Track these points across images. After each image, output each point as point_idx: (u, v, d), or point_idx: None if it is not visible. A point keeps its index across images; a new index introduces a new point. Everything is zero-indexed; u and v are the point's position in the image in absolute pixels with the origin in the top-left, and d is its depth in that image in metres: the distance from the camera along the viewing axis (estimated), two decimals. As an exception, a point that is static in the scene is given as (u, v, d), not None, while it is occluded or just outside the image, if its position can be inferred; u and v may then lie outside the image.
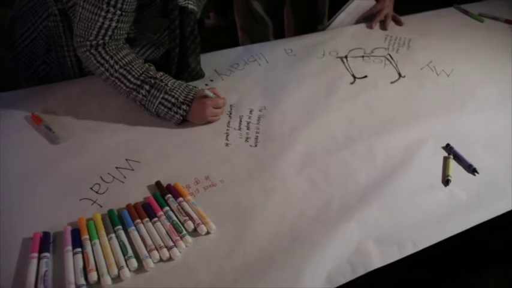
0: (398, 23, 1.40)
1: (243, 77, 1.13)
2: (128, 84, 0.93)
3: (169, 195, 0.79)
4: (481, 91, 1.12)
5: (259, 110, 1.02)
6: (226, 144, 0.93)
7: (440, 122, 1.02)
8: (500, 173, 0.90)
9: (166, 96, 0.92)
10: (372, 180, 0.86)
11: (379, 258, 0.72)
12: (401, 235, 0.76)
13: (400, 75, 1.17)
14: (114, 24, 0.91)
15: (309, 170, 0.87)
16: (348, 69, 1.17)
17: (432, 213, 0.81)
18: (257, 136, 0.95)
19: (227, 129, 0.96)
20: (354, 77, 1.14)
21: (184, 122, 0.95)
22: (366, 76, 1.15)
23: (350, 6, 1.32)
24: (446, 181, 0.87)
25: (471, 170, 0.90)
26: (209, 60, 1.16)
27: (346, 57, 1.21)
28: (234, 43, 1.58)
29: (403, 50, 1.28)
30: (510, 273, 1.32)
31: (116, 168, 0.85)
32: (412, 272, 1.24)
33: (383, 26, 1.37)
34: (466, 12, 1.49)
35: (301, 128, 0.98)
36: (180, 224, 0.74)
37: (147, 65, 0.96)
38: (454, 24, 1.43)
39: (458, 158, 0.92)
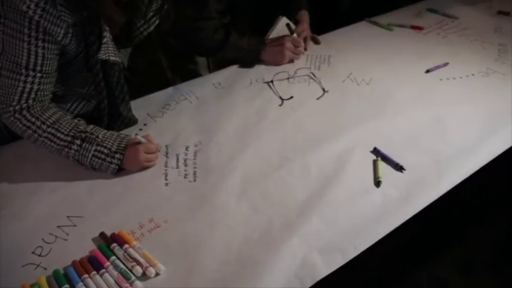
0: (317, 42, 1.49)
1: (175, 117, 1.16)
2: (58, 142, 0.93)
3: (115, 244, 0.80)
4: (398, 94, 1.21)
5: (195, 146, 1.05)
6: (166, 184, 0.95)
7: (366, 128, 1.09)
8: (424, 167, 0.97)
9: (98, 148, 0.93)
10: (309, 193, 0.90)
11: (324, 267, 0.76)
12: (342, 241, 0.80)
13: (324, 90, 1.24)
14: (36, 86, 0.92)
15: (248, 194, 0.91)
16: (275, 93, 1.23)
17: (368, 215, 0.86)
18: (195, 171, 0.98)
19: (165, 170, 0.98)
20: (282, 99, 1.21)
21: (121, 170, 0.96)
22: (292, 97, 1.21)
23: (278, 25, 1.39)
24: (377, 183, 0.93)
25: (398, 168, 0.97)
26: (141, 105, 1.19)
27: (272, 81, 1.27)
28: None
29: (324, 66, 1.36)
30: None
31: (58, 227, 0.85)
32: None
33: (303, 47, 1.46)
34: (376, 24, 1.61)
35: (238, 155, 1.01)
36: (128, 271, 0.75)
37: (76, 120, 0.97)
38: (367, 36, 1.54)
39: (386, 159, 0.99)
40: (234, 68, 1.37)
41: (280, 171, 0.97)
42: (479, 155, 1.00)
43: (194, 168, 0.99)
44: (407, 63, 1.36)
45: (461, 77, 1.29)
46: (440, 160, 0.98)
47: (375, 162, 0.98)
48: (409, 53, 1.42)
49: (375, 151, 1.01)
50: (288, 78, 1.30)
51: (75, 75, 1.03)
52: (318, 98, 1.21)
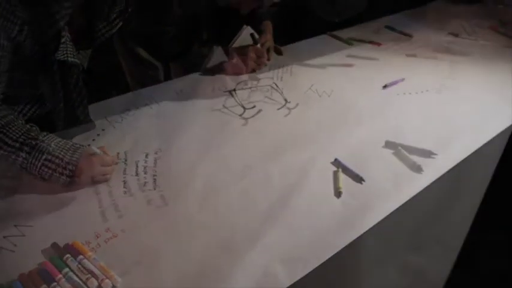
0: (280, 53, 1.51)
1: (135, 122, 1.13)
2: (5, 147, 0.86)
3: (68, 255, 0.75)
4: (358, 106, 1.24)
5: (155, 153, 1.03)
6: (125, 192, 0.91)
7: (327, 138, 1.10)
8: (382, 177, 0.99)
9: (49, 157, 0.87)
10: (271, 203, 0.90)
11: (286, 277, 0.75)
12: (304, 251, 0.80)
13: (286, 101, 1.25)
14: (-15, 86, 0.86)
15: (210, 203, 0.89)
16: (237, 102, 1.23)
17: (329, 225, 0.86)
18: (155, 179, 0.95)
19: (124, 177, 0.95)
20: (244, 108, 1.20)
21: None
22: (254, 106, 1.21)
23: (242, 35, 1.39)
24: (338, 193, 0.95)
25: (358, 179, 0.99)
26: (99, 110, 1.14)
27: (234, 90, 1.27)
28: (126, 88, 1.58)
29: (287, 77, 1.38)
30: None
31: (4, 237, 0.79)
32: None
33: (266, 57, 1.46)
34: (337, 38, 1.65)
35: (199, 164, 1.00)
36: (82, 283, 0.71)
37: (28, 125, 0.91)
38: (328, 49, 1.57)
39: (346, 170, 1.01)
40: (195, 76, 1.36)
41: (242, 180, 0.96)
42: (435, 167, 1.03)
43: (154, 176, 0.96)
44: (364, 76, 1.41)
45: (416, 93, 1.35)
46: (399, 172, 1.01)
47: (335, 173, 0.99)
48: (365, 66, 1.47)
49: (336, 162, 1.03)
50: (250, 88, 1.30)
51: (30, 75, 0.97)
52: (279, 109, 1.22)
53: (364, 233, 0.84)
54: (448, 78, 1.44)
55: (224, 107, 1.21)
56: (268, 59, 1.46)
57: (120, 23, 1.03)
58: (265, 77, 1.37)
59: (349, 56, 1.54)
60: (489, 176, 1.37)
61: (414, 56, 1.58)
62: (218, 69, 1.36)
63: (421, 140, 1.10)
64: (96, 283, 0.71)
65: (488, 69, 1.49)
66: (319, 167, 1.01)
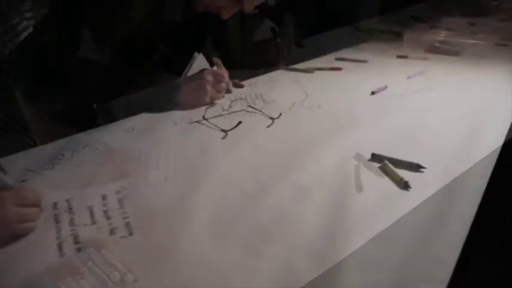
0: (239, 86, 1.26)
1: (76, 166, 0.76)
2: None
3: None
4: (355, 112, 1.01)
5: (117, 193, 0.66)
6: (79, 250, 0.52)
7: (344, 139, 0.83)
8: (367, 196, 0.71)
9: None
10: (323, 215, 0.57)
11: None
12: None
13: (272, 118, 0.98)
14: None
15: (232, 236, 0.54)
16: (212, 127, 0.92)
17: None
18: (128, 222, 0.58)
19: (72, 230, 0.56)
20: (224, 131, 0.90)
21: None
22: (239, 122, 0.91)
23: (196, 61, 1.12)
24: (404, 185, 0.65)
25: (415, 167, 0.71)
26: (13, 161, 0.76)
27: (204, 118, 0.97)
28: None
29: (259, 102, 1.11)
30: None
31: None
32: None
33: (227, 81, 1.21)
34: (294, 70, 1.46)
35: (193, 192, 0.65)
36: None
37: None
38: (291, 79, 1.37)
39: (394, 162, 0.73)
40: (144, 115, 1.03)
41: (267, 199, 0.63)
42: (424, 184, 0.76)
43: (125, 219, 0.59)
44: (350, 89, 1.20)
45: (402, 95, 1.16)
46: (385, 191, 0.71)
47: (384, 167, 0.71)
48: (347, 83, 1.28)
49: (375, 157, 0.75)
50: (223, 114, 1.01)
51: None
52: (268, 126, 0.94)
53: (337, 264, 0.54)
54: (439, 79, 1.30)
55: (197, 135, 0.89)
56: (229, 91, 1.20)
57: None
58: (239, 98, 1.10)
59: (318, 79, 1.35)
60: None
61: (405, 57, 1.49)
62: (170, 104, 1.04)
63: (410, 152, 0.86)
64: None
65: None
66: (354, 165, 0.72)
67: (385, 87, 1.22)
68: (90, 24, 0.97)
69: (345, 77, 1.38)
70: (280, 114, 1.00)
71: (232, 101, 1.06)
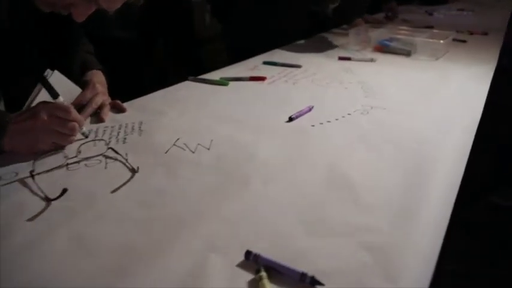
0: (121, 109, 0.96)
1: None
2: None
3: None
4: (259, 154, 0.73)
5: None
6: None
7: (204, 217, 0.55)
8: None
9: None
10: None
11: None
12: None
13: (134, 170, 0.69)
14: None
15: None
16: (36, 192, 0.63)
17: None
18: None
19: None
20: (48, 200, 0.60)
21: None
22: (64, 191, 0.61)
23: (41, 94, 0.81)
24: None
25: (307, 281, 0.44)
26: None
27: (32, 175, 0.66)
28: None
29: (132, 137, 0.82)
30: None
31: None
32: None
33: (98, 118, 0.91)
34: (204, 81, 1.17)
35: None
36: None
37: None
38: (197, 94, 1.08)
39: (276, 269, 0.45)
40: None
41: None
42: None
43: None
44: (265, 114, 0.92)
45: (337, 119, 0.90)
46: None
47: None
48: (258, 104, 1.00)
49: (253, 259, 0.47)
50: (66, 165, 0.71)
51: None
52: (113, 191, 0.64)
53: None
54: (367, 97, 1.04)
55: (11, 203, 0.60)
56: (103, 119, 0.91)
57: None
58: (93, 140, 0.80)
59: (227, 96, 1.06)
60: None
61: (312, 83, 1.17)
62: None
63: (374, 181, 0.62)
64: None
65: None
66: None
67: (310, 109, 0.95)
68: None
69: (266, 92, 1.10)
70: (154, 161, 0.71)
71: (81, 145, 0.76)
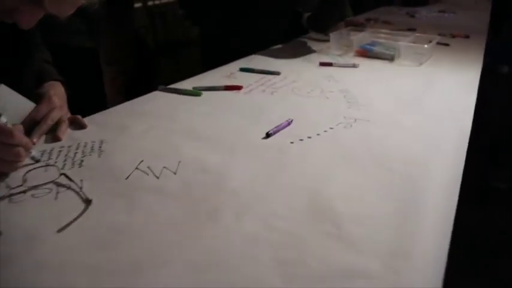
0: (81, 125, 0.87)
1: None
2: None
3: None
4: (232, 180, 0.65)
5: None
6: None
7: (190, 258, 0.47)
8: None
9: None
10: None
11: None
12: None
13: (88, 201, 0.60)
14: None
15: None
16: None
17: None
18: None
19: None
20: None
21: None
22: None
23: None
24: None
25: None
26: None
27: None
28: None
29: (90, 160, 0.73)
30: None
31: None
32: None
33: (54, 136, 0.82)
34: (176, 91, 1.09)
35: None
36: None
37: None
38: (167, 106, 0.99)
39: None
40: None
41: None
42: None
43: None
44: (234, 131, 0.84)
45: (318, 134, 0.82)
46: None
47: None
48: (233, 117, 0.92)
49: None
50: (9, 196, 0.62)
51: None
52: (60, 230, 0.55)
53: None
54: (350, 108, 0.97)
55: None
56: (59, 138, 0.81)
57: None
58: (43, 166, 0.70)
59: (199, 108, 0.98)
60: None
61: (293, 91, 1.10)
62: None
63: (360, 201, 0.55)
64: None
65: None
66: None
67: (288, 123, 0.87)
68: None
69: (242, 103, 1.02)
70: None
71: (27, 172, 0.67)
